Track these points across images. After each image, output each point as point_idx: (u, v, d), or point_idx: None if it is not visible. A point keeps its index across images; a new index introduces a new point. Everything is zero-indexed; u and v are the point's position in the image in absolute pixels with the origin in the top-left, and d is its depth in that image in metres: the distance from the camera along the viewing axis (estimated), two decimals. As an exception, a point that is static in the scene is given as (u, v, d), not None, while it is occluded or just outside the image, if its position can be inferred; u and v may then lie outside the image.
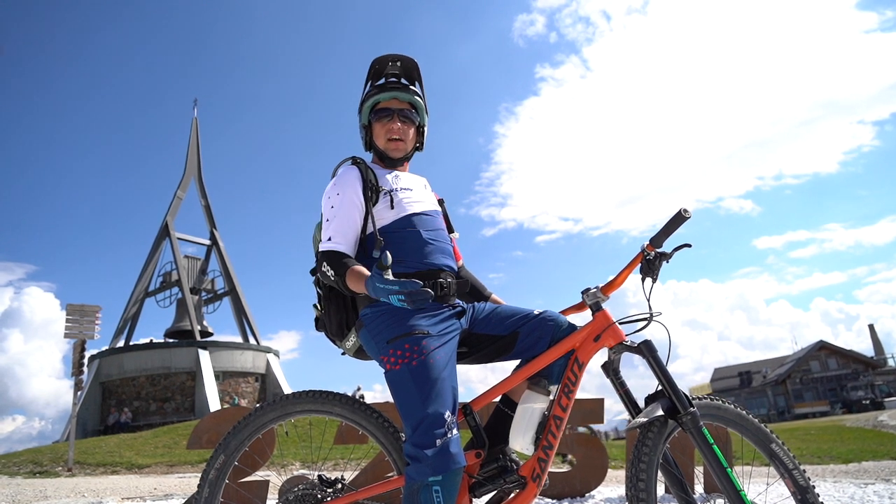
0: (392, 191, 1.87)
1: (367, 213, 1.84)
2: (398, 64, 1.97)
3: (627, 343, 1.78)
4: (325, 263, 1.77)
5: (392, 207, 1.85)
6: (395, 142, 1.95)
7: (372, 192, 1.85)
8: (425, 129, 2.04)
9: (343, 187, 1.85)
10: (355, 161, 1.92)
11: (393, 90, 1.94)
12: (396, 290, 1.49)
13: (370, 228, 1.84)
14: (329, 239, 1.80)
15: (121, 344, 28.71)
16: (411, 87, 1.98)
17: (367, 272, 1.63)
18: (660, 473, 1.71)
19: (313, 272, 1.95)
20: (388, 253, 1.55)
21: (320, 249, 1.81)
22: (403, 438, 1.72)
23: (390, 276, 1.52)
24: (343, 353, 1.95)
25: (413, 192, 1.92)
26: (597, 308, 1.82)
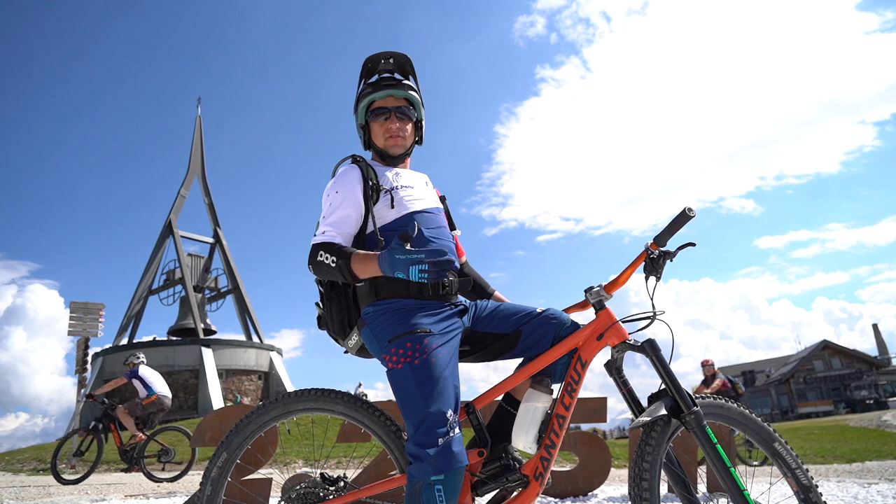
0: (393, 189, 1.86)
1: (368, 212, 1.83)
2: (391, 60, 1.96)
3: (630, 342, 1.77)
4: (321, 252, 1.74)
5: (393, 206, 1.84)
6: (395, 139, 1.94)
7: (372, 190, 1.84)
8: (423, 123, 2.03)
9: (342, 186, 1.84)
10: (355, 160, 1.91)
11: (387, 88, 1.92)
12: (422, 258, 1.54)
13: (370, 228, 1.83)
14: (324, 232, 1.79)
15: (124, 341, 28.74)
16: (405, 81, 1.97)
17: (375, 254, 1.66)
18: (663, 473, 1.70)
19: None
20: (416, 223, 1.63)
21: (313, 242, 1.79)
22: (405, 437, 1.71)
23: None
24: (346, 352, 1.94)
25: (414, 189, 1.91)
26: (600, 306, 1.81)
